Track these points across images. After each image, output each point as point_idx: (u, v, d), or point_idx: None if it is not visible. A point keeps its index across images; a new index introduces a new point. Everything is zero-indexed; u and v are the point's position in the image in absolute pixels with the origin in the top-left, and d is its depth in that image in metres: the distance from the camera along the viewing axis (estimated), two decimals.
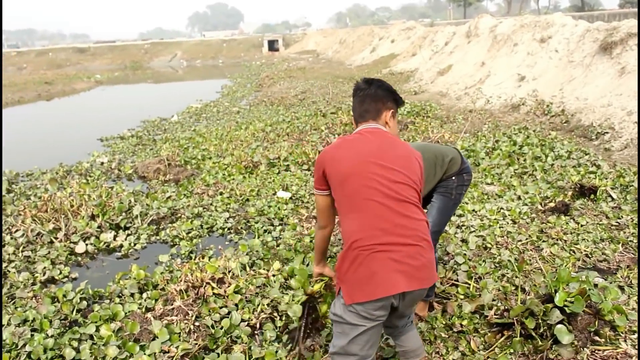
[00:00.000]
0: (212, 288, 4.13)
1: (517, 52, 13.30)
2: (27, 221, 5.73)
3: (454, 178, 3.38)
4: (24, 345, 3.52)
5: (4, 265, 4.97)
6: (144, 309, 3.98)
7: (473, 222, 5.14)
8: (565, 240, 4.56)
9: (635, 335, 3.04)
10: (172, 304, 3.96)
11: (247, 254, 4.84)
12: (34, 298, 4.24)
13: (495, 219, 5.16)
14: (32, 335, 3.68)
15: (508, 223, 5.07)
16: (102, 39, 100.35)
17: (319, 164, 2.47)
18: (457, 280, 3.95)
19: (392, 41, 29.32)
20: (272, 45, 60.73)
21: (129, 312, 3.94)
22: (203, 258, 4.93)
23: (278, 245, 5.10)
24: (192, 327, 3.67)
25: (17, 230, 5.63)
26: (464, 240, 4.76)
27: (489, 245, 4.55)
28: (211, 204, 6.51)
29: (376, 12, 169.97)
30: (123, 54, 56.70)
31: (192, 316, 3.78)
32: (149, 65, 52.96)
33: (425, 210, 3.31)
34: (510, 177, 6.76)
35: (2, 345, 3.55)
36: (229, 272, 4.40)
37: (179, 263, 4.79)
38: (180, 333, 3.61)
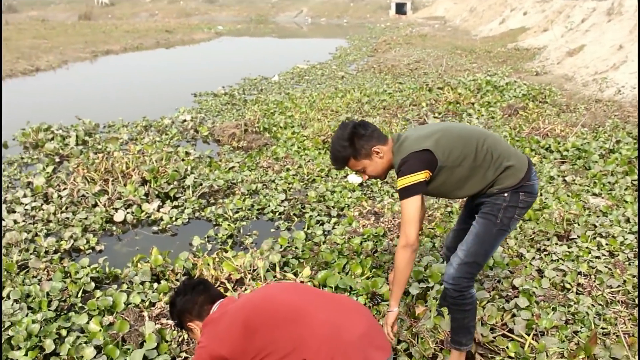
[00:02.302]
0: (225, 290, 3.62)
1: None
2: (78, 180, 5.53)
3: (505, 194, 2.55)
4: (8, 327, 3.21)
5: (38, 225, 4.77)
6: (147, 303, 3.56)
7: (558, 247, 4.17)
8: None
9: None
10: None
11: (283, 250, 4.28)
12: (46, 270, 3.96)
13: (587, 248, 4.15)
14: (27, 314, 3.39)
15: (602, 257, 4.03)
16: None
17: None
18: (511, 330, 3.12)
19: (524, 13, 26.84)
20: (400, 9, 58.45)
21: (130, 304, 3.53)
22: (241, 245, 4.49)
23: (324, 243, 4.47)
24: (185, 336, 3.19)
25: (65, 189, 5.44)
26: (539, 271, 3.85)
27: (567, 286, 3.61)
28: (273, 181, 5.99)
29: None
30: (250, 7, 57.36)
31: None
32: (274, 19, 53.18)
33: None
34: (625, 190, 5.57)
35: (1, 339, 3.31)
36: (254, 271, 3.86)
37: (207, 251, 4.33)
38: (170, 342, 3.15)
